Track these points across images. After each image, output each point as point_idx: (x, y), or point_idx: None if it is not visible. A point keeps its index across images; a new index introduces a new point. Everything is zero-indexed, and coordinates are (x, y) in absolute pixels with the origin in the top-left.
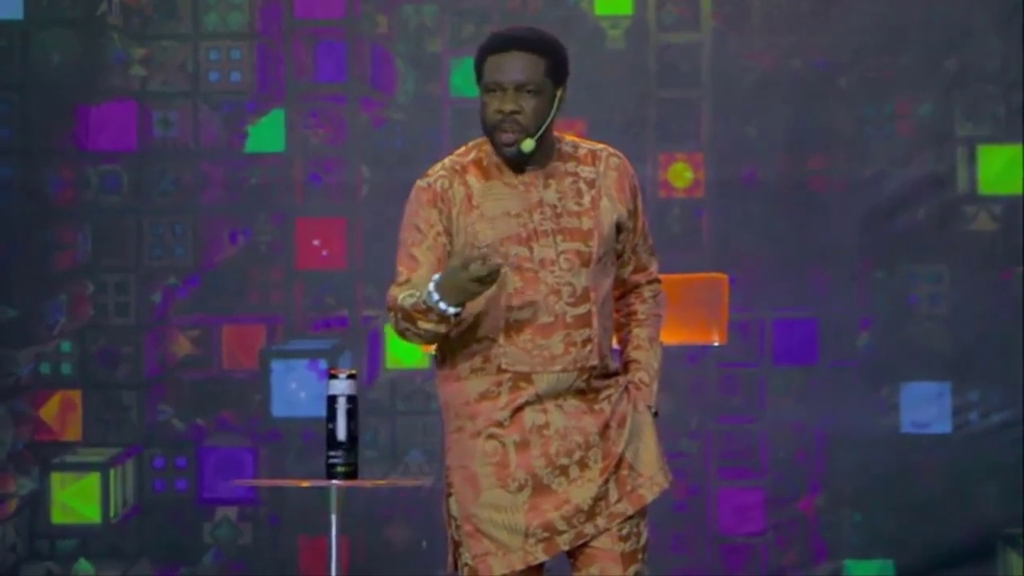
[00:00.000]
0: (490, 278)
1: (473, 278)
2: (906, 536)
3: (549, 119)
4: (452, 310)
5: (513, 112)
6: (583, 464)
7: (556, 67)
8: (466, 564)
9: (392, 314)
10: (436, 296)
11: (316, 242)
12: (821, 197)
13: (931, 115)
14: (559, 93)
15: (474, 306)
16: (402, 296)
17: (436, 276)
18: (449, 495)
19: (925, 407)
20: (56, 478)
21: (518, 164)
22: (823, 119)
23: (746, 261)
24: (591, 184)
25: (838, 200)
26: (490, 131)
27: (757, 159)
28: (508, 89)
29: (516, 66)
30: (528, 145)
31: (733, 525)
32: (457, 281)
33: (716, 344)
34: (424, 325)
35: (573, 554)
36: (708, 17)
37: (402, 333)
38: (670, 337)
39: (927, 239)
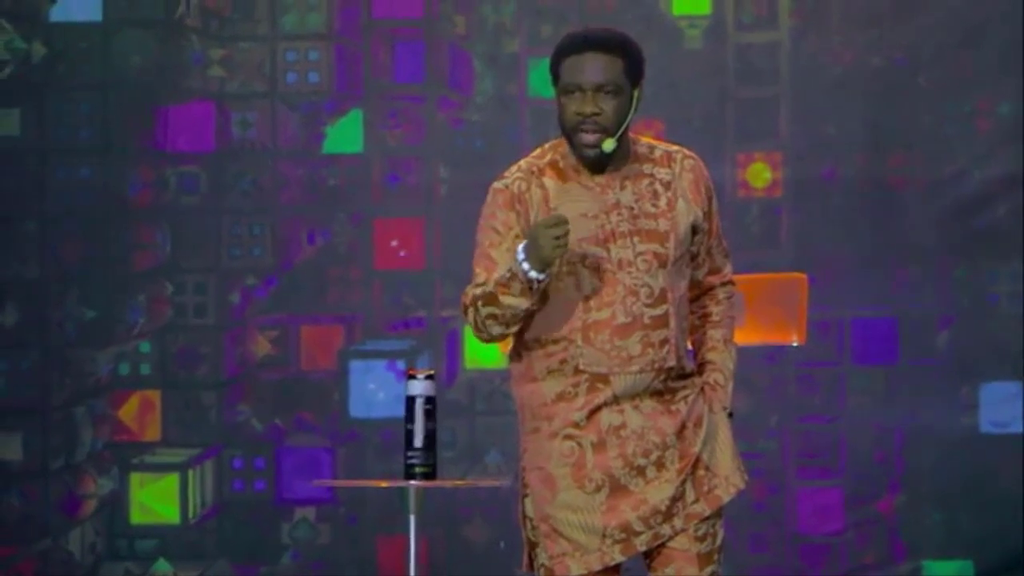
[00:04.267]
0: (565, 238)
1: (555, 235)
2: (985, 536)
3: (628, 119)
4: (535, 274)
5: (593, 114)
6: (660, 465)
7: (633, 67)
8: (542, 564)
9: (471, 308)
10: (522, 256)
11: (394, 242)
12: (901, 195)
13: (1011, 113)
14: (636, 93)
15: (552, 309)
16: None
17: (522, 243)
18: (525, 496)
19: (1005, 407)
20: (135, 478)
21: (597, 165)
22: (902, 117)
23: (825, 260)
24: (667, 186)
25: (918, 198)
26: (570, 133)
27: (836, 158)
28: (587, 90)
29: (595, 67)
30: (609, 145)
31: (812, 524)
32: (538, 238)
33: (795, 344)
34: (507, 300)
35: (649, 555)
36: (786, 16)
37: (481, 325)
38: (749, 337)
39: (1008, 237)
